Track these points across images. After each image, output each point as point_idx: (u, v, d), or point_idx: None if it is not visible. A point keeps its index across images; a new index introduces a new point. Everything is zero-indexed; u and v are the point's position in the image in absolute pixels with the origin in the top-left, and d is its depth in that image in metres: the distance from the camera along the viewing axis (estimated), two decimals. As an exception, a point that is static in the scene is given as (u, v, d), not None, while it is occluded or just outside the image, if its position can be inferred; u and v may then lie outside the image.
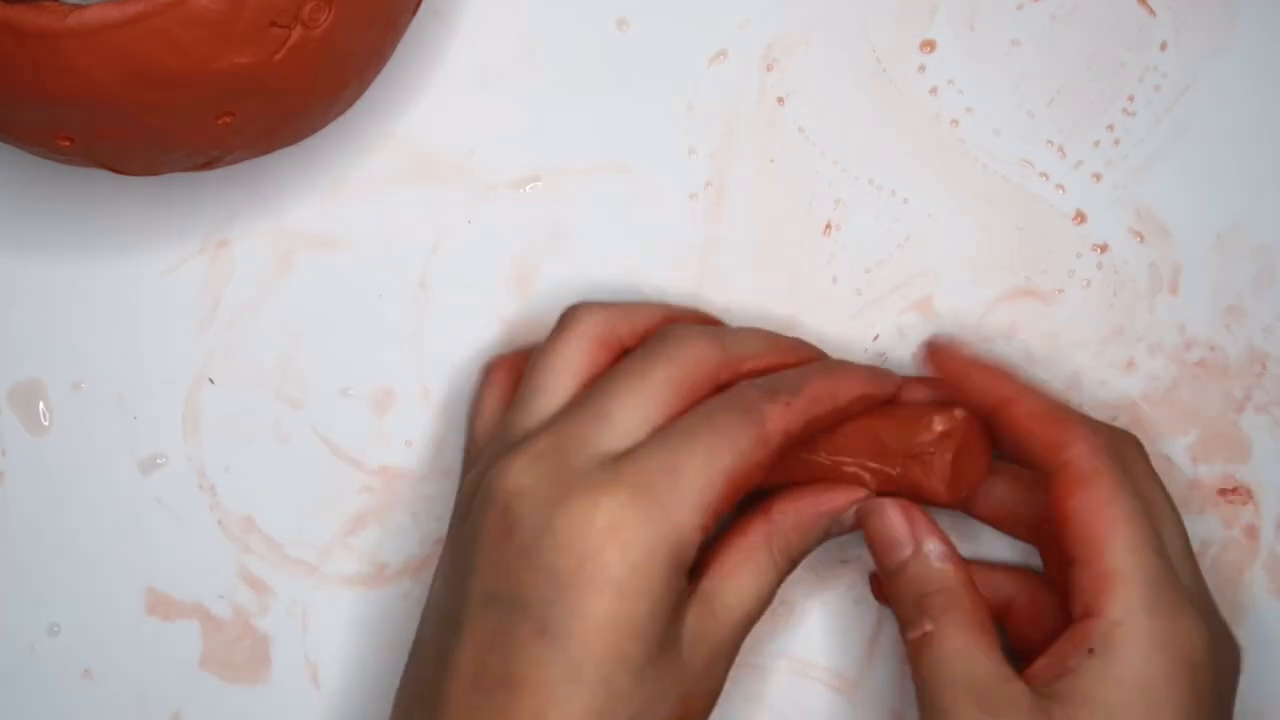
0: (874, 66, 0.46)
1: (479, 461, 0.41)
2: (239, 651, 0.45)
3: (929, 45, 0.46)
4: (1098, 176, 0.45)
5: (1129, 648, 0.36)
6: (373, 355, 0.45)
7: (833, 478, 0.41)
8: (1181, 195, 0.45)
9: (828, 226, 0.45)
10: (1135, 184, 0.45)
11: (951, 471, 0.39)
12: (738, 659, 0.44)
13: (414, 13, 0.42)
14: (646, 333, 0.42)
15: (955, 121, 0.45)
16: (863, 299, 0.45)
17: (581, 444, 0.38)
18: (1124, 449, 0.40)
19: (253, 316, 0.46)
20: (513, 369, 0.43)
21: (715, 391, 0.39)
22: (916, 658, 0.38)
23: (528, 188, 0.46)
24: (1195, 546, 0.44)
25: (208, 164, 0.41)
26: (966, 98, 0.45)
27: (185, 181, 0.45)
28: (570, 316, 0.42)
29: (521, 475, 0.38)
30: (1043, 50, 0.45)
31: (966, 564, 0.40)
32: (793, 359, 0.41)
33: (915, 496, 0.40)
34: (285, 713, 0.45)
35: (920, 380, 0.43)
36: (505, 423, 0.41)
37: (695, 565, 0.39)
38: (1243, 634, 0.44)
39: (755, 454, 0.38)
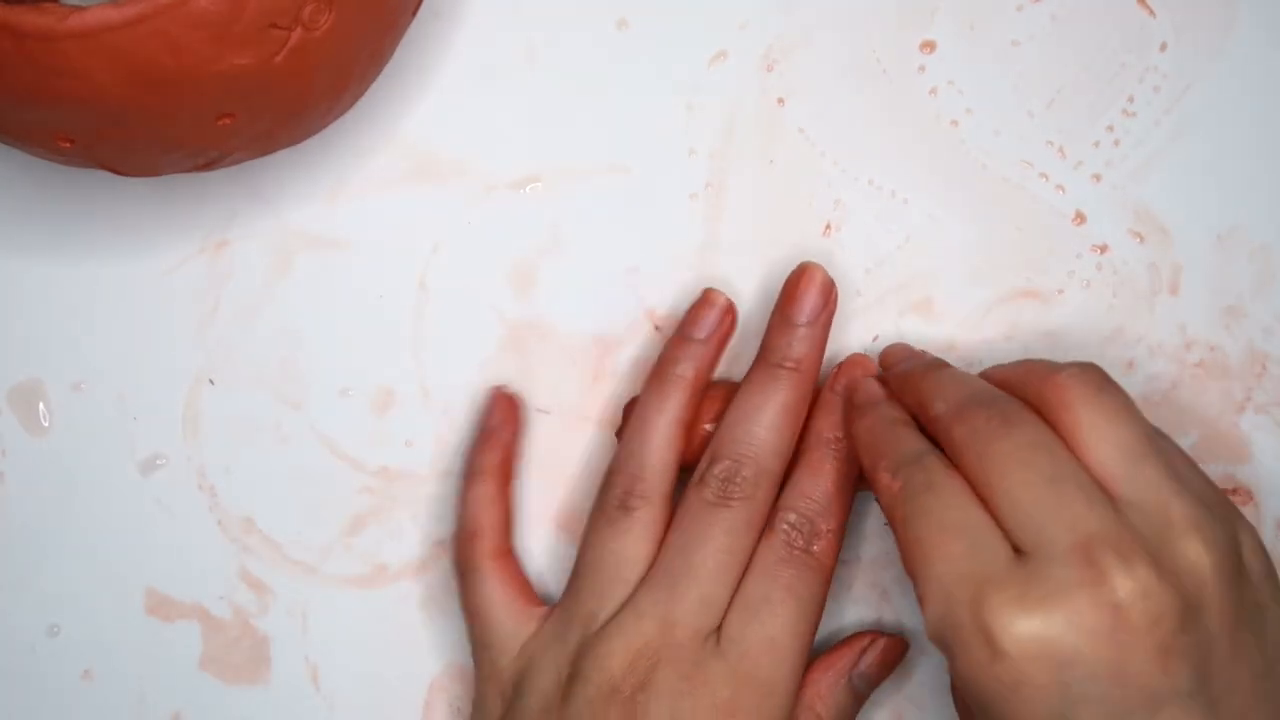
0: (874, 67, 0.46)
1: (539, 649, 0.42)
2: (239, 652, 0.45)
3: (929, 45, 0.46)
4: (1098, 177, 0.45)
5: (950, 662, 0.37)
6: (373, 355, 0.45)
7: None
8: (1181, 195, 0.45)
9: (828, 227, 0.45)
10: (1135, 184, 0.45)
11: None
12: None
13: (414, 14, 0.42)
14: (679, 461, 0.43)
15: (955, 122, 0.45)
16: (863, 299, 0.45)
17: (687, 630, 0.40)
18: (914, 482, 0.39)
19: (253, 316, 0.46)
20: (507, 557, 0.44)
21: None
22: None
23: (528, 188, 0.46)
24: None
25: (208, 165, 0.41)
26: (966, 98, 0.45)
27: (185, 182, 0.45)
28: (624, 502, 0.42)
29: (638, 665, 0.40)
30: (1043, 51, 0.45)
31: None
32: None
33: None
34: (285, 713, 0.45)
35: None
36: (576, 609, 0.42)
37: None
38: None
39: (823, 595, 0.41)
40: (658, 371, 0.43)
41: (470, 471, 0.44)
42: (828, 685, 0.42)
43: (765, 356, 0.43)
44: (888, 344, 0.44)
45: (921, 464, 0.38)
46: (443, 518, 0.45)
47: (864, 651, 0.43)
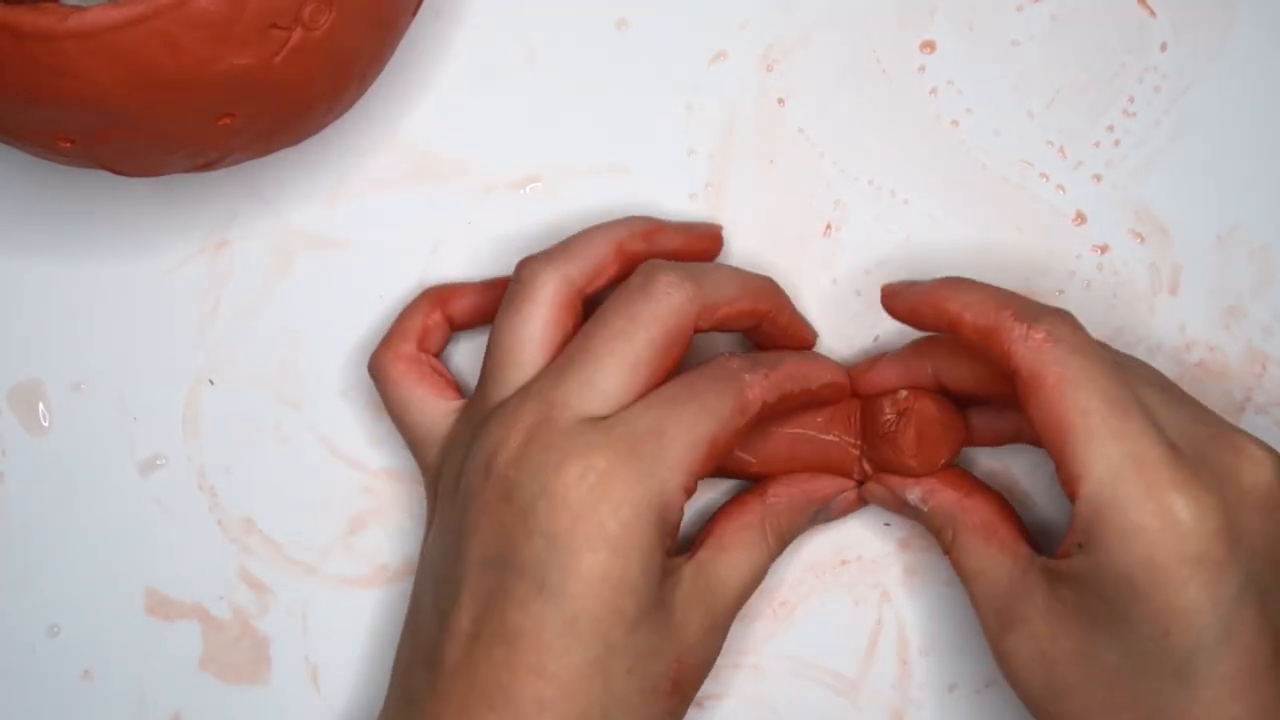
0: (874, 67, 0.46)
1: (454, 437, 0.42)
2: (239, 652, 0.45)
3: (929, 46, 0.46)
4: (1098, 177, 0.45)
5: (1108, 538, 0.37)
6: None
7: (823, 450, 0.43)
8: (1181, 195, 0.45)
9: (828, 227, 0.45)
10: (1135, 185, 0.45)
11: (917, 445, 0.42)
12: (738, 659, 0.44)
13: (414, 13, 0.42)
14: (601, 272, 0.42)
15: (955, 122, 0.45)
16: (863, 299, 0.45)
17: (568, 410, 0.39)
18: (1061, 331, 0.39)
19: (253, 316, 0.46)
20: (414, 359, 0.44)
21: (691, 340, 0.41)
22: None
23: (528, 188, 0.46)
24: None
25: (208, 165, 0.41)
26: (966, 98, 0.45)
27: (185, 182, 0.45)
28: (528, 281, 0.41)
29: (517, 448, 0.38)
30: (1043, 51, 0.45)
31: (956, 481, 0.42)
32: (765, 304, 0.42)
33: (897, 473, 0.43)
34: (285, 713, 0.45)
35: (891, 359, 0.43)
36: (478, 397, 0.41)
37: (693, 539, 0.42)
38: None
39: (735, 420, 0.40)
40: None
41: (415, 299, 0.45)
42: (800, 505, 0.42)
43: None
44: (886, 299, 0.43)
45: (1066, 319, 0.39)
46: (443, 518, 0.45)
47: (838, 493, 0.43)
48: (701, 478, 0.39)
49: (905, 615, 0.45)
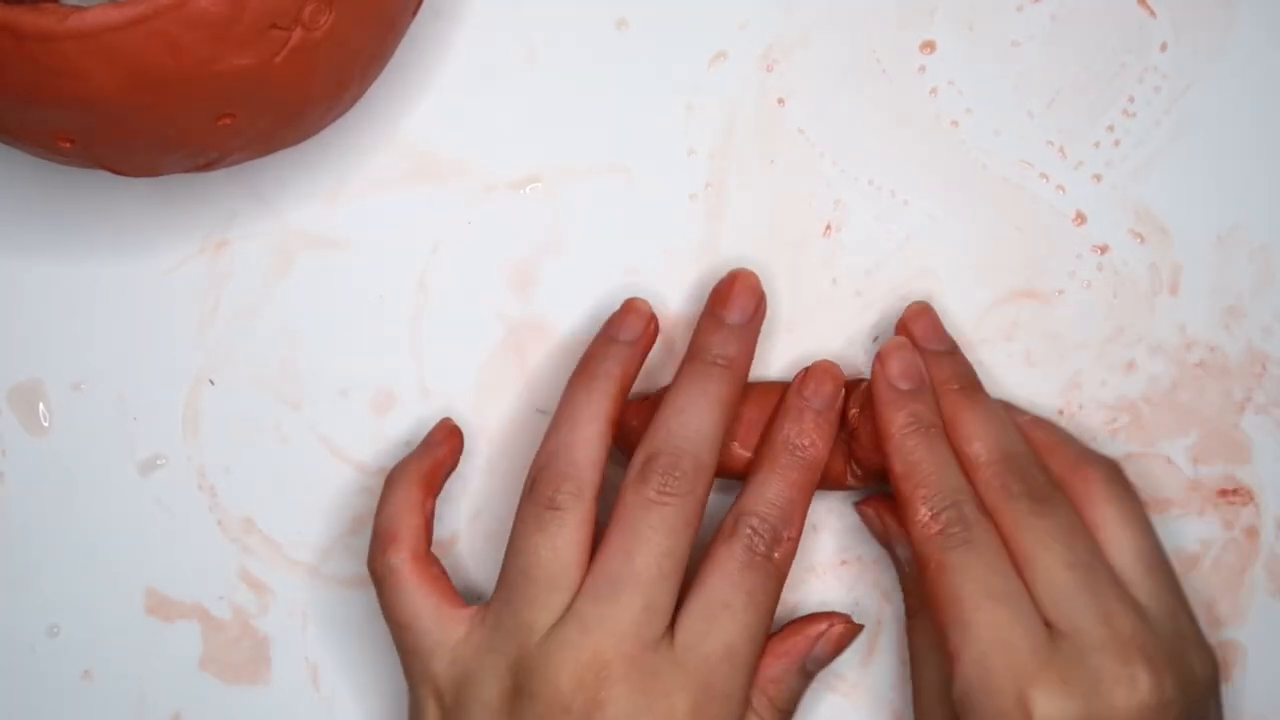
0: (874, 67, 0.46)
1: (474, 653, 0.40)
2: (239, 652, 0.45)
3: (929, 46, 0.46)
4: (1098, 177, 0.45)
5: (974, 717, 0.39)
6: (373, 356, 0.45)
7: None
8: (1181, 196, 0.45)
9: (827, 227, 0.45)
10: (1135, 185, 0.45)
11: (875, 440, 0.42)
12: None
13: (414, 14, 0.42)
14: (601, 467, 0.41)
15: (955, 122, 0.45)
16: (863, 300, 0.45)
17: (635, 639, 0.39)
18: (953, 527, 0.40)
19: (253, 316, 0.46)
20: (426, 562, 0.42)
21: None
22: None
23: (528, 188, 0.46)
24: (1195, 547, 0.44)
25: (208, 165, 0.41)
26: (966, 98, 0.45)
27: (185, 182, 0.45)
28: (553, 501, 0.40)
29: (591, 681, 0.39)
30: (1043, 51, 0.45)
31: None
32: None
33: (864, 467, 0.43)
34: (285, 713, 0.45)
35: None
36: (509, 615, 0.40)
37: None
38: (1243, 634, 0.44)
39: (777, 601, 0.41)
40: (583, 370, 0.42)
41: (392, 477, 0.43)
42: (782, 671, 0.42)
43: (696, 354, 0.42)
44: (912, 304, 0.44)
45: (962, 512, 0.40)
46: (442, 518, 0.45)
47: (818, 639, 0.42)
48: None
49: (905, 615, 0.44)
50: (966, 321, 0.45)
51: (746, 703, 0.40)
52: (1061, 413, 0.45)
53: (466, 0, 0.46)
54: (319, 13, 0.37)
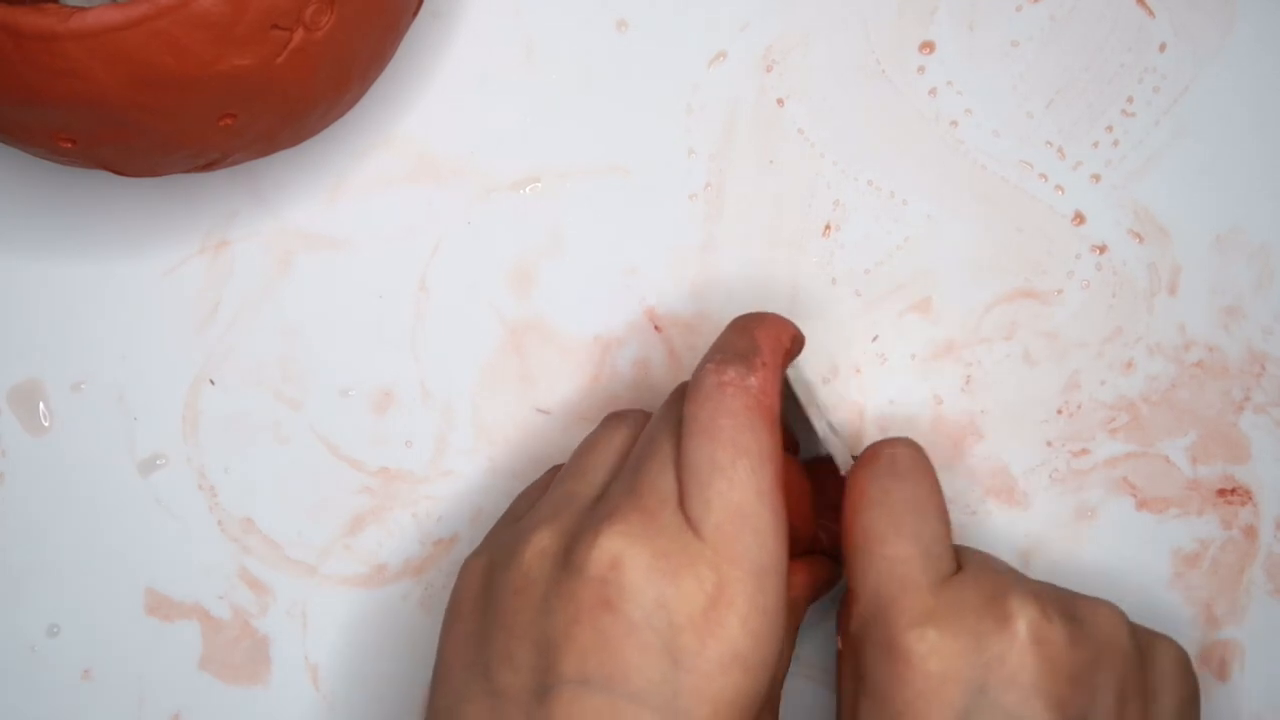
0: (874, 67, 0.46)
1: (495, 536, 0.39)
2: (239, 652, 0.45)
3: (929, 46, 0.46)
4: (1097, 177, 0.45)
5: (867, 650, 0.37)
6: (373, 356, 0.45)
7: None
8: (1181, 196, 0.45)
9: (827, 227, 0.45)
10: (1134, 185, 0.45)
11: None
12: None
13: (414, 14, 0.42)
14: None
15: (955, 122, 0.45)
16: (862, 300, 0.45)
17: (663, 503, 0.35)
18: (900, 455, 0.39)
19: (253, 316, 0.46)
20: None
21: None
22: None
23: (527, 188, 0.46)
24: (1193, 547, 0.44)
25: (209, 165, 0.41)
26: (966, 99, 0.45)
27: (186, 182, 0.45)
28: (607, 424, 0.40)
29: (614, 542, 0.34)
30: (1042, 51, 0.45)
31: None
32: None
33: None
34: (285, 713, 0.45)
35: None
36: (553, 496, 0.38)
37: None
38: (1241, 634, 0.44)
39: (775, 433, 0.36)
40: None
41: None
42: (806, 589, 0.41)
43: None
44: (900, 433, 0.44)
45: (909, 446, 0.39)
46: (443, 518, 0.45)
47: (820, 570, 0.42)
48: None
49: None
50: (966, 321, 0.45)
51: (785, 570, 0.35)
52: (1061, 412, 0.45)
53: (466, 0, 0.46)
54: (320, 13, 0.37)
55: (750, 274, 0.45)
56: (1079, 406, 0.45)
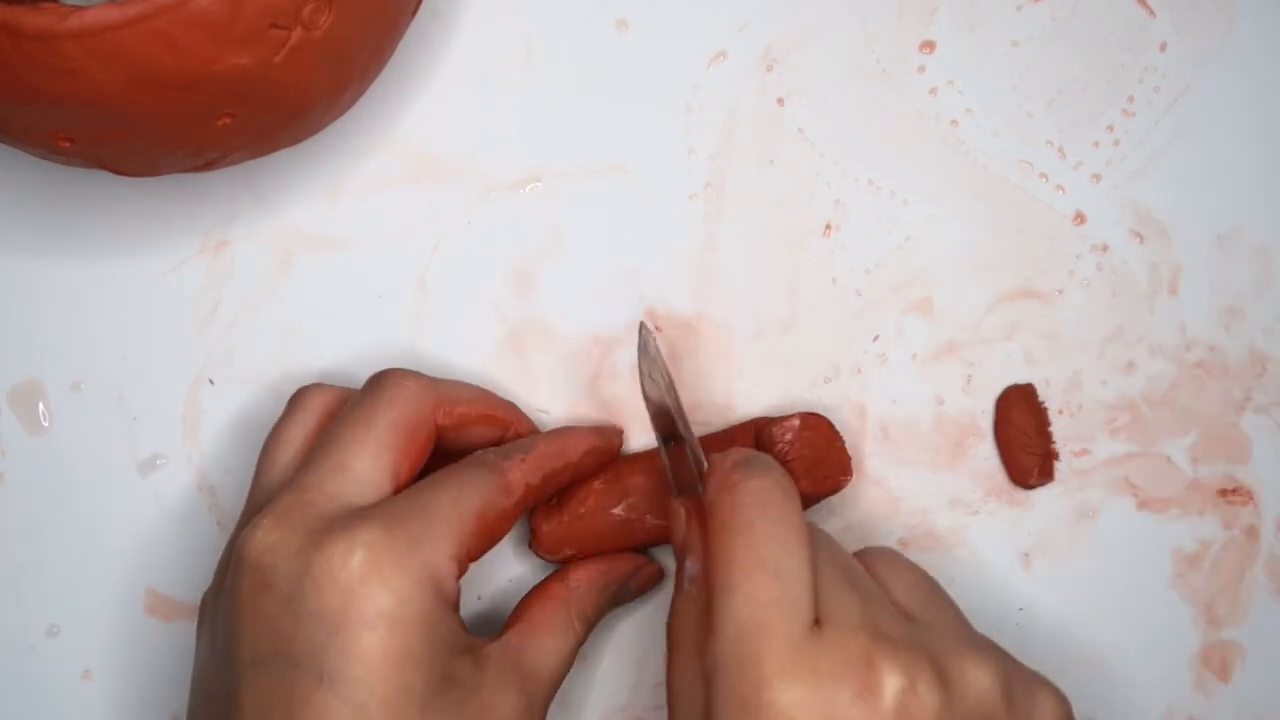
0: (874, 67, 0.46)
1: (221, 562, 0.40)
2: (239, 652, 0.45)
3: (929, 46, 0.46)
4: (1097, 177, 0.45)
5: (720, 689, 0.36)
6: (373, 355, 0.45)
7: (640, 532, 0.43)
8: (1181, 196, 0.45)
9: (827, 227, 0.45)
10: (1135, 185, 0.45)
11: (809, 467, 0.42)
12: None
13: (414, 14, 0.42)
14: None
15: (955, 122, 0.45)
16: (863, 299, 0.45)
17: (326, 497, 0.38)
18: (756, 480, 0.38)
19: (253, 316, 0.46)
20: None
21: (436, 435, 0.41)
22: None
23: (527, 188, 0.46)
24: (1194, 547, 0.44)
25: (208, 165, 0.41)
26: (966, 98, 0.45)
27: (185, 182, 0.45)
28: (294, 400, 0.42)
29: (269, 533, 0.37)
30: (1043, 51, 0.45)
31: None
32: (502, 413, 0.42)
33: None
34: (285, 713, 0.45)
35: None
36: (246, 507, 0.41)
37: (505, 624, 0.41)
38: (1242, 634, 0.44)
39: (500, 500, 0.39)
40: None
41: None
42: (589, 582, 0.42)
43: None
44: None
45: (769, 469, 0.38)
46: (443, 518, 0.45)
47: (635, 569, 0.43)
48: (474, 556, 0.39)
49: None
50: (966, 321, 0.45)
51: (451, 563, 0.38)
52: (1061, 412, 0.45)
53: (466, 0, 0.46)
54: (318, 12, 0.37)
55: (750, 274, 0.45)
56: (1080, 406, 0.45)
